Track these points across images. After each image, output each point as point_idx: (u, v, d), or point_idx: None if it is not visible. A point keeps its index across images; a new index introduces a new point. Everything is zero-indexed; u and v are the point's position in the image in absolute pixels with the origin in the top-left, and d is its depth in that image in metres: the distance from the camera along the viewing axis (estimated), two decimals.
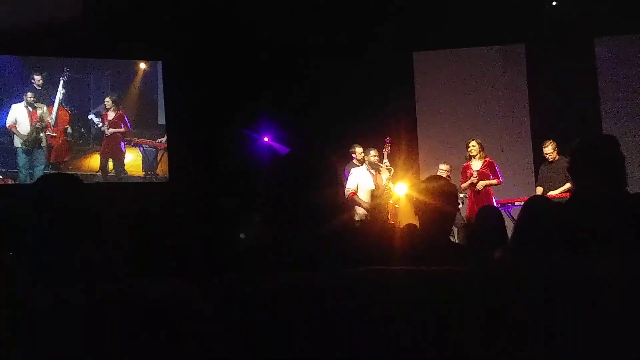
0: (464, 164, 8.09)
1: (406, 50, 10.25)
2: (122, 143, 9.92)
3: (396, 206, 7.77)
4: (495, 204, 7.46)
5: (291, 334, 1.19)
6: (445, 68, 10.34)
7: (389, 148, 8.04)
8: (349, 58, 9.49)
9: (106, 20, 8.86)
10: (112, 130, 9.84)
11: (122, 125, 9.92)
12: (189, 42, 9.55)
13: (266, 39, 9.41)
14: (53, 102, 9.56)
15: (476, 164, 7.93)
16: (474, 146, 7.95)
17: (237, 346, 1.18)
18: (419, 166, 9.82)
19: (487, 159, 7.99)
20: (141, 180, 10.02)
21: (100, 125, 9.82)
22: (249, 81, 9.42)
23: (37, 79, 9.45)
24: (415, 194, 2.87)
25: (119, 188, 9.66)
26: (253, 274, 1.39)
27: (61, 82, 9.58)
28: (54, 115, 9.55)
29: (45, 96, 9.53)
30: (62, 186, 2.01)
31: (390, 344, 1.21)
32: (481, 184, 7.83)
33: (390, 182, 7.78)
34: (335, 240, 1.55)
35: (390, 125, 8.92)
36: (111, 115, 9.84)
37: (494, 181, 7.89)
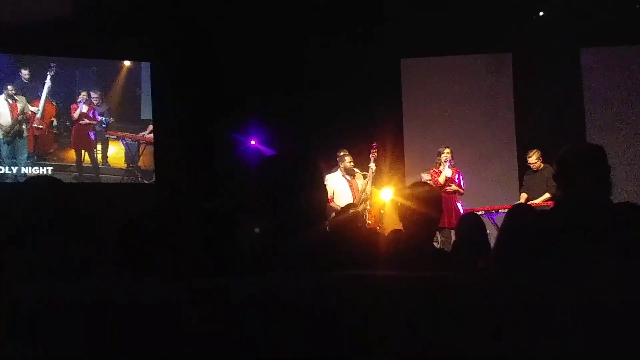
0: (434, 169, 8.09)
1: (394, 57, 10.28)
2: (91, 133, 9.98)
3: (382, 211, 7.76)
4: (462, 212, 7.53)
5: (275, 338, 1.20)
6: (432, 75, 10.38)
7: (376, 154, 8.00)
8: (336, 63, 9.49)
9: (97, 21, 8.88)
10: (85, 120, 9.90)
11: (92, 115, 9.97)
12: (178, 45, 9.58)
13: (254, 43, 9.41)
14: (40, 96, 9.62)
15: (447, 171, 7.95)
16: (448, 153, 8.00)
17: (222, 349, 1.19)
18: (404, 172, 9.85)
19: (456, 168, 8.07)
20: (123, 172, 10.10)
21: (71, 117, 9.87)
22: (237, 84, 9.41)
23: (25, 72, 9.55)
24: (400, 200, 2.88)
25: (105, 187, 9.68)
26: (239, 275, 1.39)
27: (48, 76, 9.65)
28: (40, 108, 9.60)
29: (32, 89, 9.60)
30: (51, 190, 2.02)
31: (373, 349, 1.21)
32: (451, 188, 7.91)
33: (367, 186, 7.66)
34: (321, 244, 1.56)
35: (377, 131, 8.93)
36: (85, 108, 9.90)
37: (460, 190, 8.02)
